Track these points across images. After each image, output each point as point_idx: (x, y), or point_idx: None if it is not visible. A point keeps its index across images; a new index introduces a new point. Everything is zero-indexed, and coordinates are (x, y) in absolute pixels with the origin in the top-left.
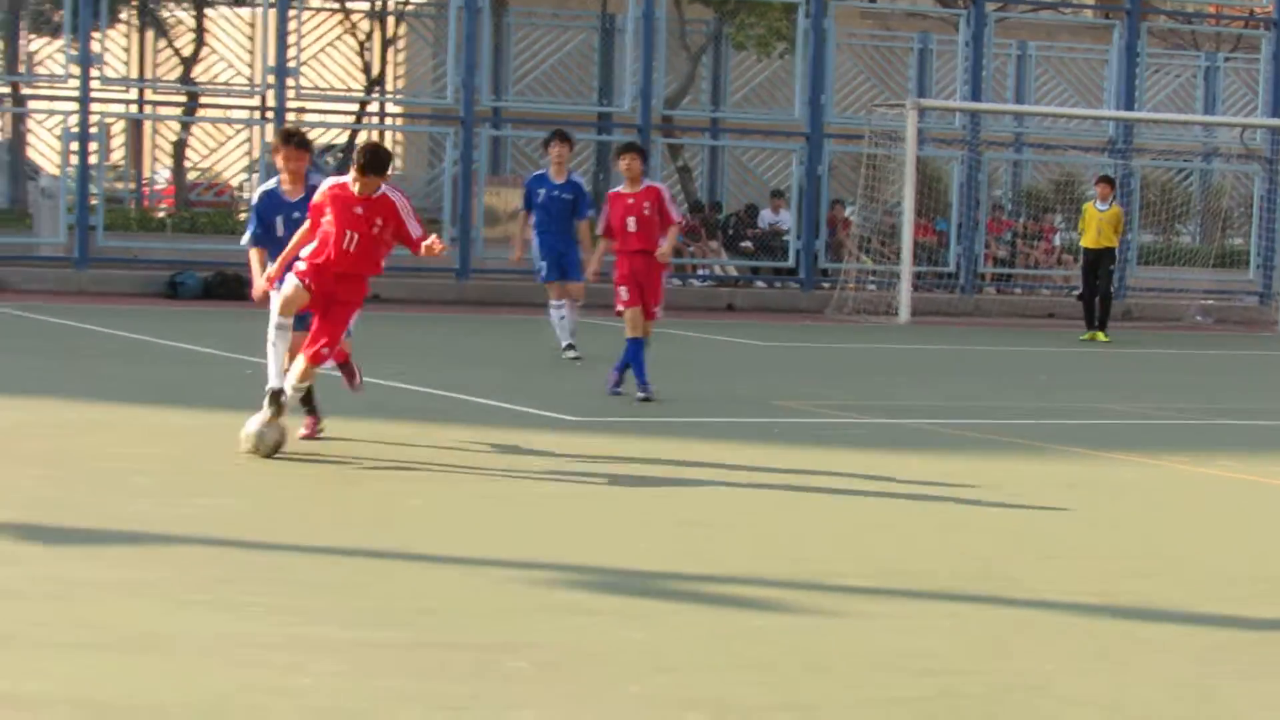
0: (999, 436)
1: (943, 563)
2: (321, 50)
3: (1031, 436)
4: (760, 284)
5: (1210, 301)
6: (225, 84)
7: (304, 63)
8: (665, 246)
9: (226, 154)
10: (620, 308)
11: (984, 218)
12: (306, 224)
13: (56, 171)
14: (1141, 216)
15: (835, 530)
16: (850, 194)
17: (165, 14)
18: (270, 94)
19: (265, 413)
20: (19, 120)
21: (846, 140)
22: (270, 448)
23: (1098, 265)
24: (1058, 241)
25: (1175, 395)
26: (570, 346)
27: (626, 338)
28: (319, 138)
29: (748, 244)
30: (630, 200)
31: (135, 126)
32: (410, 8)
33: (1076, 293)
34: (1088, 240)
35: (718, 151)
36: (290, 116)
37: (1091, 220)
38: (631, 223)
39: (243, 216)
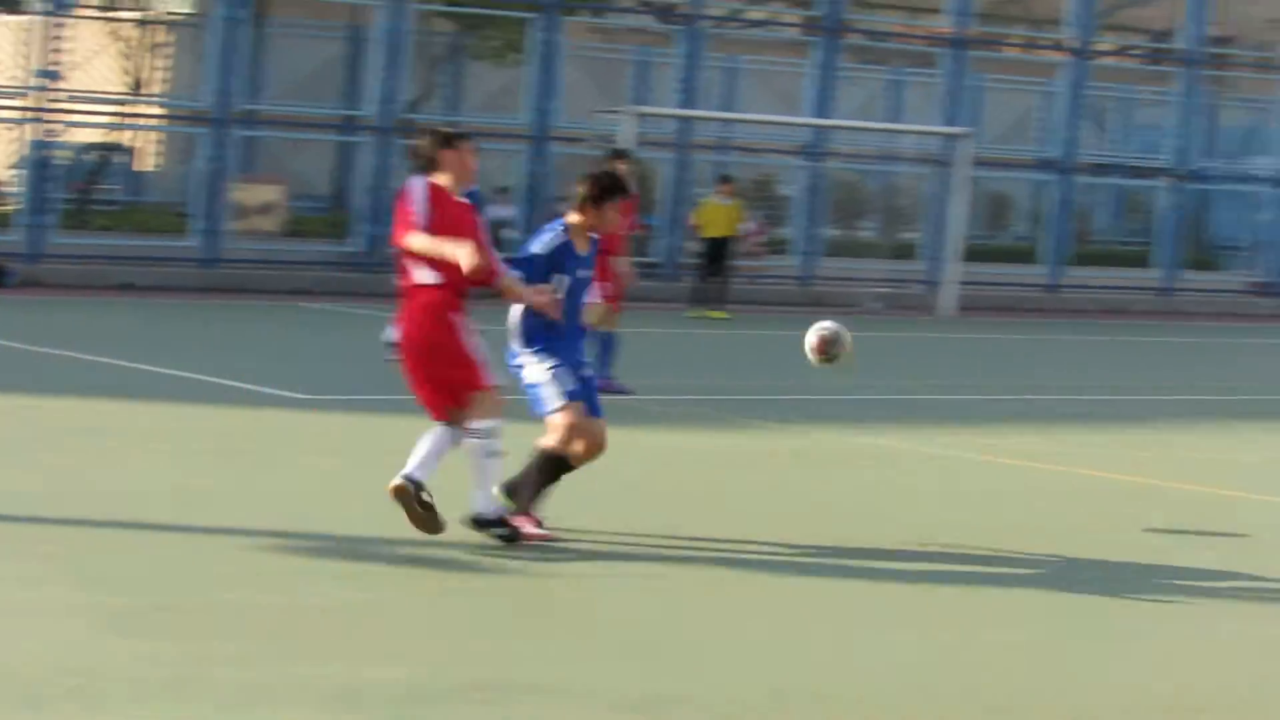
0: (698, 410)
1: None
2: (89, 56)
3: (720, 410)
4: None
5: (885, 290)
6: None
7: (74, 67)
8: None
9: None
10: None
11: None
12: None
13: None
14: (831, 212)
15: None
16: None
17: None
18: (38, 96)
19: None
20: None
21: (570, 143)
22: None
23: (721, 251)
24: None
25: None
26: None
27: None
28: (82, 137)
29: None
30: None
31: None
32: (175, 17)
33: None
34: (714, 231)
35: None
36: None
37: (714, 214)
38: None
39: (8, 209)
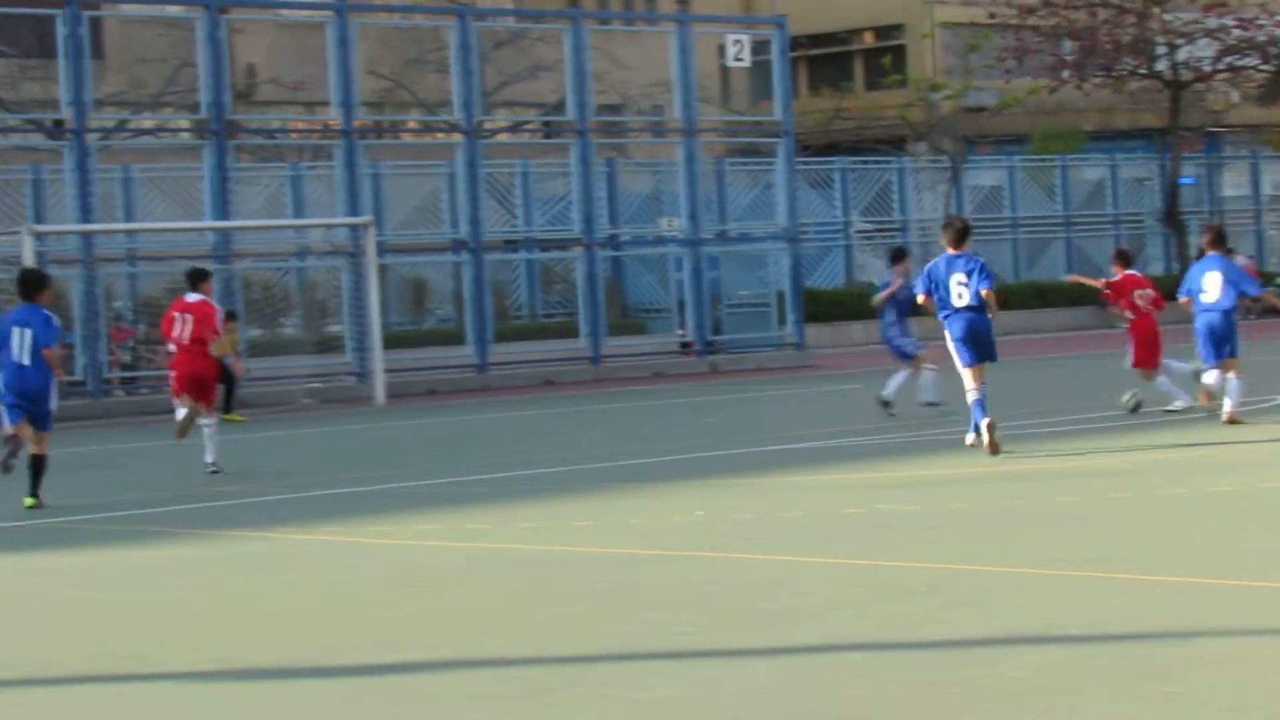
0: (130, 526)
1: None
2: None
3: (159, 523)
4: None
5: (316, 384)
6: None
7: None
8: None
9: None
10: None
11: (105, 328)
12: None
13: None
14: (247, 313)
15: None
16: None
17: None
18: None
19: None
20: None
21: None
22: None
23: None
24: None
25: (288, 473)
26: None
27: None
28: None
29: None
30: None
31: None
32: None
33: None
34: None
35: None
36: None
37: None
38: None
39: None
